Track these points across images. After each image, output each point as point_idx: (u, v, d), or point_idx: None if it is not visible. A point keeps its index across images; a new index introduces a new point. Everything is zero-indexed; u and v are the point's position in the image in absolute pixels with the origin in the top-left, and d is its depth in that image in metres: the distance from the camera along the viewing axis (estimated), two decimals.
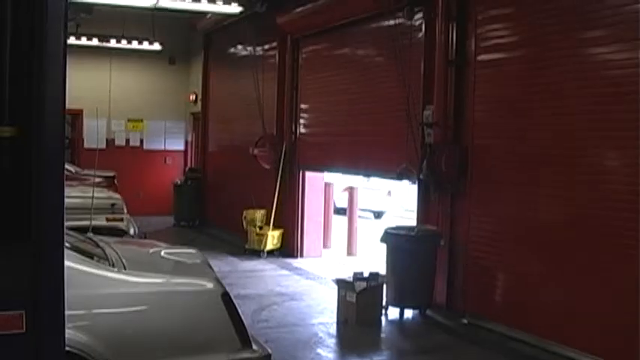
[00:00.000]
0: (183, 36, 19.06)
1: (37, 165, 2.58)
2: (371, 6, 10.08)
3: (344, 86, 11.90)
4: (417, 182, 9.61)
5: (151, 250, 6.15)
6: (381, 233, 9.22)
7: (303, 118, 13.36)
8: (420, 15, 9.85)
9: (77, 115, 18.43)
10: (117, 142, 19.18)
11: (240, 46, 15.89)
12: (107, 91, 17.97)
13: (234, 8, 13.25)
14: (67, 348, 2.79)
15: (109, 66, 18.28)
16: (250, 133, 14.60)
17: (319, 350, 7.84)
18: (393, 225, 9.52)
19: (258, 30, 14.22)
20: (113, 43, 16.65)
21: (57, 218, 2.61)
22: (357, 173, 12.24)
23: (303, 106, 13.32)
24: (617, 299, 6.87)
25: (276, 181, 13.53)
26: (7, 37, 2.57)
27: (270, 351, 5.15)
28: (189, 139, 19.93)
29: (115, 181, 16.04)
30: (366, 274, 8.96)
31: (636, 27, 6.66)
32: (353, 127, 11.62)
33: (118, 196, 11.18)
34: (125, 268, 4.97)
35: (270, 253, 13.31)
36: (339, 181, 15.68)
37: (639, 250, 6.57)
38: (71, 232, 5.56)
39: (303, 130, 13.37)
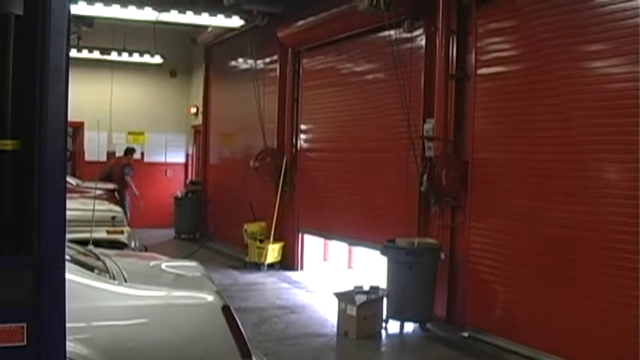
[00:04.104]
0: (185, 49, 19.11)
1: (38, 178, 2.58)
2: (371, 19, 10.11)
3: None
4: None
5: (152, 263, 6.14)
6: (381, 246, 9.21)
7: (303, 131, 13.37)
8: (420, 28, 9.90)
9: (78, 127, 18.46)
10: (118, 155, 19.19)
11: (241, 60, 15.93)
12: (108, 104, 17.97)
13: (236, 22, 13.30)
14: None
15: (110, 79, 18.31)
16: (251, 146, 14.64)
17: None
18: (394, 238, 9.49)
19: (259, 43, 14.27)
20: (114, 55, 16.70)
21: (58, 231, 2.61)
22: (356, 241, 11.98)
23: (303, 119, 13.34)
24: (617, 313, 6.87)
25: (277, 195, 13.54)
26: (10, 49, 2.58)
27: None
28: (190, 151, 19.95)
29: (116, 194, 16.05)
30: (366, 288, 8.96)
31: (636, 41, 6.69)
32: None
33: (118, 208, 11.18)
34: (126, 281, 4.96)
35: (271, 266, 13.30)
36: None
37: (639, 264, 6.57)
38: (72, 245, 5.56)
39: (303, 143, 13.38)
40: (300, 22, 12.45)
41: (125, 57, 16.76)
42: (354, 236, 11.62)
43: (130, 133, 19.30)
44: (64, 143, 2.64)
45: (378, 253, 9.41)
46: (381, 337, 8.85)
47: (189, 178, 19.53)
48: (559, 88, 7.75)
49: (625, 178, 6.95)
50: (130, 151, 18.03)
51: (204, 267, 6.31)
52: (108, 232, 10.18)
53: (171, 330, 4.71)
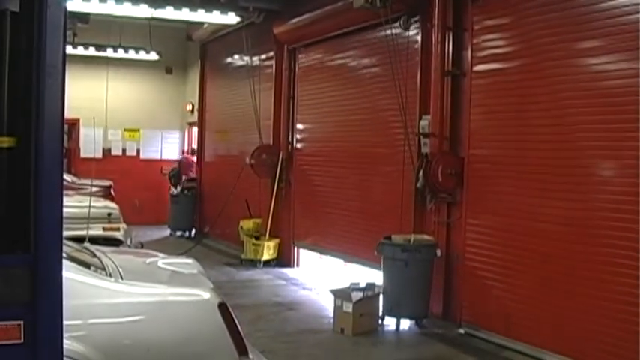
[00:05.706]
0: (180, 46, 19.09)
1: (35, 175, 2.58)
2: (367, 16, 10.11)
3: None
4: None
5: (148, 260, 6.14)
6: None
7: (299, 127, 13.36)
8: (416, 25, 9.90)
9: (74, 124, 18.41)
10: (113, 152, 19.18)
11: (236, 56, 15.90)
12: (104, 101, 17.97)
13: (231, 18, 13.29)
14: (64, 358, 2.78)
15: (105, 75, 18.29)
16: (247, 143, 14.62)
17: None
18: (390, 234, 9.49)
19: (255, 40, 14.24)
20: (110, 52, 16.68)
21: (55, 228, 2.61)
22: (352, 257, 11.68)
23: (299, 115, 13.33)
24: (616, 311, 6.86)
25: (273, 192, 13.53)
26: (6, 46, 2.57)
27: None
28: (186, 148, 19.92)
29: (112, 191, 16.02)
30: (362, 284, 8.96)
31: (634, 37, 6.69)
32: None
33: (114, 205, 11.16)
34: (122, 278, 4.96)
35: (267, 263, 13.29)
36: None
37: (639, 261, 6.57)
38: (68, 242, 5.54)
39: (299, 139, 13.37)
40: (296, 19, 12.44)
41: (121, 54, 16.74)
42: (350, 252, 11.50)
43: (125, 129, 19.27)
44: (60, 140, 2.64)
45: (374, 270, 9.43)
46: (377, 333, 8.85)
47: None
48: (555, 85, 7.75)
49: (623, 175, 6.93)
50: None
51: (200, 264, 6.31)
52: (104, 229, 10.17)
53: (168, 327, 4.71)
